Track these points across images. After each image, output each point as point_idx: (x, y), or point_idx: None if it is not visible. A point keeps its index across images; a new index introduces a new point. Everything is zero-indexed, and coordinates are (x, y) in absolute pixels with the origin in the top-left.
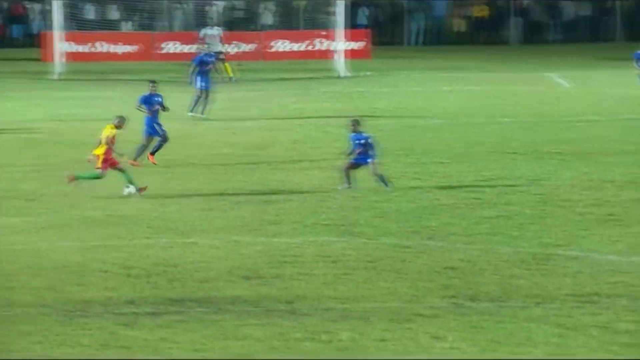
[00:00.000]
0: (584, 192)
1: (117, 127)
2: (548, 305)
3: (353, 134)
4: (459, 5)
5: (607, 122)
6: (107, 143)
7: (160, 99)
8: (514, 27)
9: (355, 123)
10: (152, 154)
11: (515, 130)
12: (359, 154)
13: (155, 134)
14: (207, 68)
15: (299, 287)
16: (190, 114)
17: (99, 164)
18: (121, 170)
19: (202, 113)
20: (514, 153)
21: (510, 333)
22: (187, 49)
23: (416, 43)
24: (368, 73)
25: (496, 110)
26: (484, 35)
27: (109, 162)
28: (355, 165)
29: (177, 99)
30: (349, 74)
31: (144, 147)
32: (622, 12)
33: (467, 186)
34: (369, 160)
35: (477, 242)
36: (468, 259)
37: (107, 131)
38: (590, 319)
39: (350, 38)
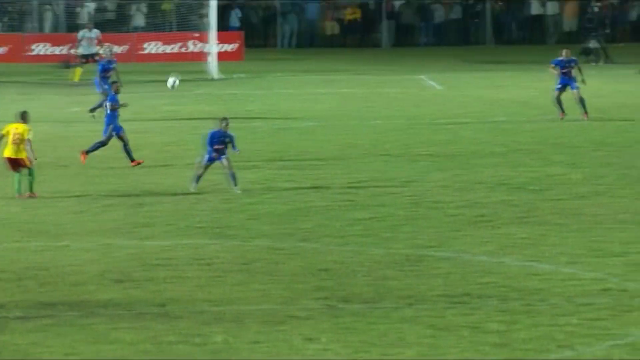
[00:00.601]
0: (455, 193)
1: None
2: (420, 306)
3: (215, 131)
4: (331, 8)
5: (477, 124)
6: (19, 142)
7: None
8: (385, 30)
9: (225, 121)
10: (87, 152)
11: (388, 132)
12: (217, 151)
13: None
14: (109, 74)
15: (171, 290)
16: (91, 113)
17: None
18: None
19: (92, 111)
20: (387, 155)
21: (382, 334)
22: (57, 50)
23: (289, 45)
24: (241, 75)
25: (369, 112)
26: (356, 38)
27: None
28: (210, 163)
29: (49, 101)
30: (221, 76)
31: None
32: (491, 15)
33: (340, 188)
34: (222, 157)
35: (350, 244)
36: (341, 261)
37: (22, 130)
38: (462, 320)
39: (223, 40)
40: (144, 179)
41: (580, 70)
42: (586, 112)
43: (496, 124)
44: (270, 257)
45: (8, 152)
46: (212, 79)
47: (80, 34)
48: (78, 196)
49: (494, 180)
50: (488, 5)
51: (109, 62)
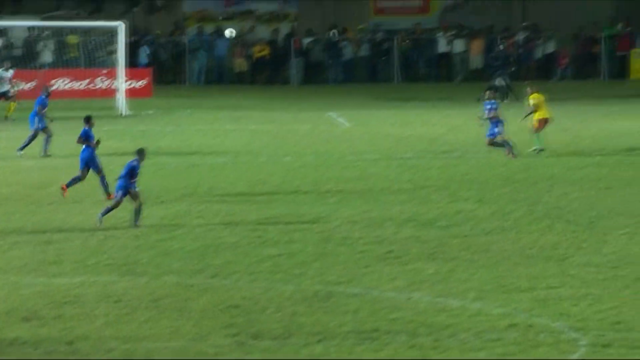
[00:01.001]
0: (364, 229)
1: None
2: (329, 342)
3: (135, 164)
4: (240, 45)
5: (385, 161)
6: None
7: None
8: (294, 67)
9: (141, 153)
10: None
11: (298, 169)
12: (132, 184)
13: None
14: (44, 111)
15: (80, 328)
16: (20, 152)
17: None
18: None
19: (44, 153)
20: (296, 192)
21: None
22: None
23: (198, 82)
24: (150, 111)
25: (279, 149)
26: (265, 75)
27: None
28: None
29: None
30: (130, 113)
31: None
32: (399, 53)
33: (250, 224)
34: (135, 189)
35: (260, 280)
36: (251, 297)
37: None
38: (371, 356)
39: (132, 77)
40: (52, 215)
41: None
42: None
43: (404, 160)
44: (180, 294)
45: None
46: (121, 116)
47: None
48: None
49: (403, 217)
50: (396, 44)
51: (47, 97)
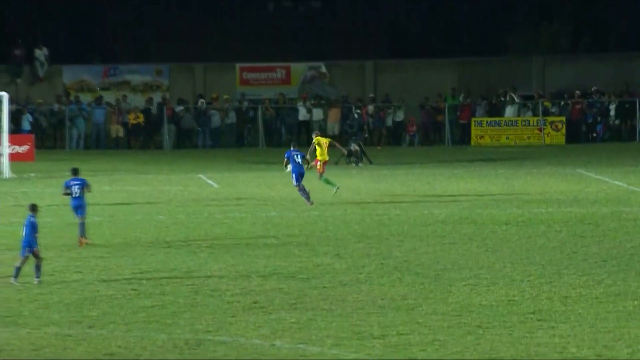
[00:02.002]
0: (232, 282)
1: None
2: None
3: (34, 220)
4: (116, 113)
5: (251, 219)
6: None
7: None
8: (166, 133)
9: (34, 208)
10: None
11: (170, 226)
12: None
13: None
14: None
15: None
16: None
17: None
18: None
19: None
20: (169, 247)
21: None
22: None
23: (77, 147)
24: (32, 174)
25: (153, 208)
26: (140, 140)
27: None
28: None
29: None
30: (13, 176)
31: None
32: (263, 120)
33: (125, 278)
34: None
35: (135, 330)
36: (126, 346)
37: None
38: None
39: (14, 142)
40: None
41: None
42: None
43: (269, 218)
44: (59, 344)
45: None
46: (5, 178)
47: None
48: None
49: (267, 270)
50: (260, 112)
51: None
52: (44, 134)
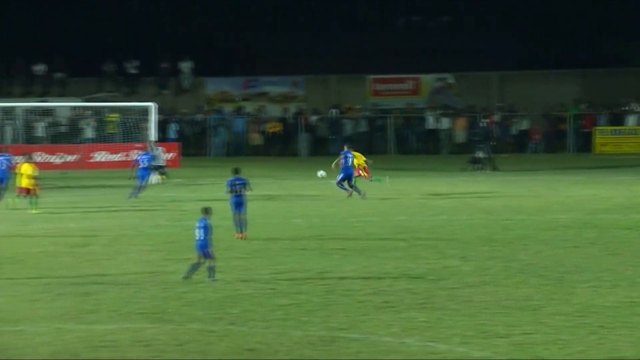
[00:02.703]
0: (364, 282)
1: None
2: None
3: (203, 220)
4: (256, 122)
5: (382, 222)
6: None
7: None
8: (302, 141)
9: (207, 211)
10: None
11: (305, 229)
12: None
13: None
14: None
15: None
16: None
17: None
18: None
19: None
20: (304, 249)
21: None
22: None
23: (219, 154)
24: (178, 180)
25: (289, 212)
26: (278, 147)
27: None
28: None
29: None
30: (160, 181)
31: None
32: (393, 129)
33: (264, 278)
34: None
35: (273, 327)
36: (265, 342)
37: None
38: None
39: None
40: (91, 270)
41: None
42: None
43: (399, 222)
44: (202, 339)
45: None
46: (153, 184)
47: None
48: (32, 286)
49: (398, 271)
50: (390, 121)
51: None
52: (188, 142)
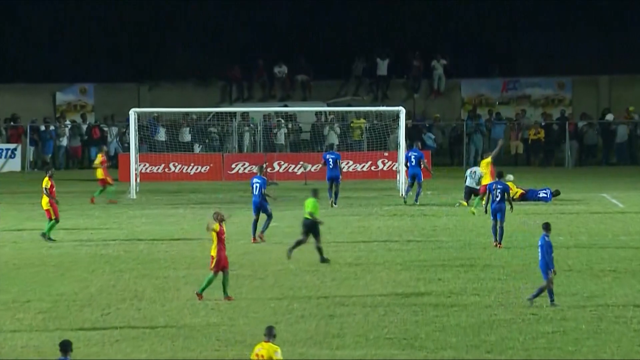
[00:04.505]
0: (638, 308)
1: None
2: None
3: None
4: (516, 129)
5: None
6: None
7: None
8: (568, 149)
9: (547, 227)
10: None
11: (571, 248)
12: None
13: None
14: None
15: None
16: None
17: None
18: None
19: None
20: (570, 270)
21: None
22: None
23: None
24: (429, 192)
25: (553, 227)
26: (540, 156)
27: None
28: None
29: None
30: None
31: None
32: None
33: (524, 302)
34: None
35: (534, 356)
36: None
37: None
38: None
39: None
40: (335, 291)
41: None
42: None
43: None
44: None
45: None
46: (401, 196)
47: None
48: (273, 307)
49: None
50: None
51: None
52: (440, 149)
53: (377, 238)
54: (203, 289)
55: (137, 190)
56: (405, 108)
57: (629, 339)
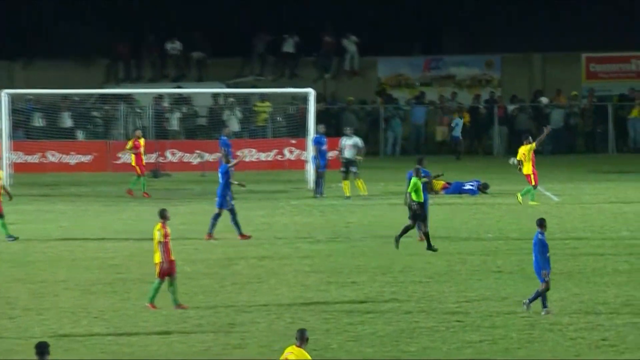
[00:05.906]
0: (575, 315)
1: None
2: None
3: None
4: (441, 112)
5: (598, 239)
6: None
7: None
8: (498, 136)
9: (541, 223)
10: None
11: (500, 246)
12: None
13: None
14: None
15: None
16: None
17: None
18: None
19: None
20: (499, 272)
21: None
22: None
23: (393, 153)
24: (339, 184)
25: (481, 225)
26: (466, 144)
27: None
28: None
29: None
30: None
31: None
32: (614, 121)
33: (448, 307)
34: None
35: None
36: None
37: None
38: None
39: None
40: (236, 296)
41: None
42: None
43: (620, 240)
44: None
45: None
46: (309, 189)
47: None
48: (165, 316)
49: (619, 301)
50: (610, 111)
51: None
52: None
53: (283, 236)
54: (152, 298)
55: (10, 182)
56: (315, 90)
57: (564, 348)
